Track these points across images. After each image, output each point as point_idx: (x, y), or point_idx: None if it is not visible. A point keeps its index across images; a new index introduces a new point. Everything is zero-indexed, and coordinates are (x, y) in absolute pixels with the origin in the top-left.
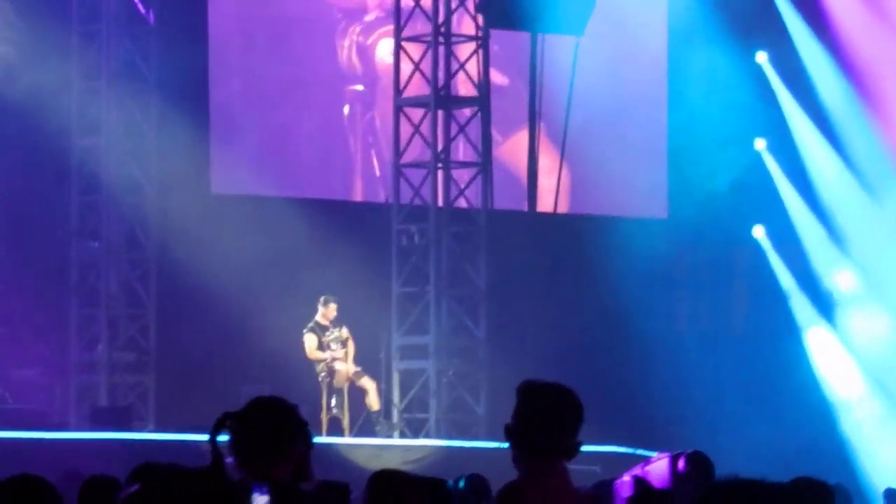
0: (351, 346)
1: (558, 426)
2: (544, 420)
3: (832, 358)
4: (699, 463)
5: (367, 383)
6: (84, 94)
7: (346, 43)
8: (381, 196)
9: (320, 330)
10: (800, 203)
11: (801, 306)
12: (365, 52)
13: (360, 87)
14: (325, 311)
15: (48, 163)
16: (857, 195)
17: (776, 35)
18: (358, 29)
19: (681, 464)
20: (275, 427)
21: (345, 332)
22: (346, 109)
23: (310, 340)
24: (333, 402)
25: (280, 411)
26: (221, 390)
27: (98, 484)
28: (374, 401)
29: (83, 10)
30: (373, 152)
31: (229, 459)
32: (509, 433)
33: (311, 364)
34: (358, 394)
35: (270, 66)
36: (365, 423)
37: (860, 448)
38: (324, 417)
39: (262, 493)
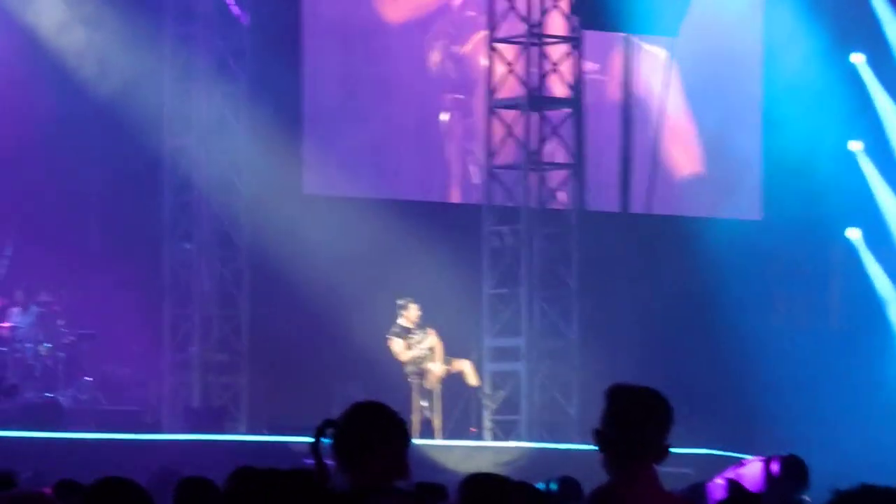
0: (439, 348)
1: (647, 430)
2: (633, 424)
3: None
4: (793, 466)
5: (460, 364)
6: (176, 93)
7: (439, 54)
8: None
9: (404, 332)
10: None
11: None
12: (461, 60)
13: (459, 96)
14: (407, 314)
15: (141, 162)
16: None
17: (873, 37)
18: (449, 37)
19: (774, 467)
20: (375, 431)
21: (431, 334)
22: (445, 116)
23: (396, 345)
24: (425, 403)
25: (380, 415)
26: (314, 390)
27: (193, 485)
28: (472, 376)
29: (177, 11)
30: (470, 159)
31: (331, 463)
32: (598, 438)
33: (402, 364)
34: (450, 395)
35: (366, 69)
36: (457, 426)
37: None
38: (415, 419)
39: None
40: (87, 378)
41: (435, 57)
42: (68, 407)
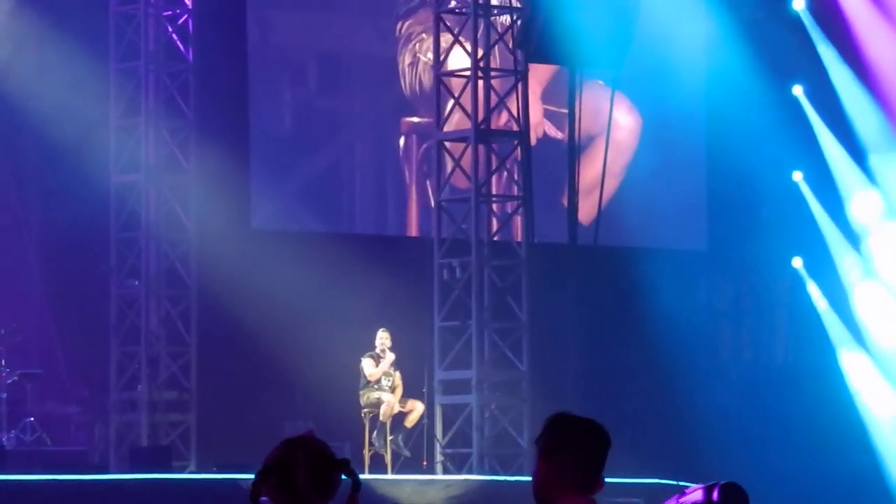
0: (400, 386)
1: (585, 459)
2: (570, 455)
3: (868, 380)
4: (733, 494)
5: (415, 403)
6: (122, 131)
7: (409, 63)
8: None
9: (376, 357)
10: (836, 233)
11: (838, 334)
12: (421, 80)
13: (416, 119)
14: (380, 340)
15: (87, 200)
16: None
17: (813, 67)
18: (426, 46)
19: (715, 495)
20: (312, 472)
21: (396, 372)
22: (402, 141)
23: (367, 365)
24: (375, 436)
25: (314, 455)
26: (264, 427)
27: None
28: (412, 420)
29: (120, 47)
30: (428, 183)
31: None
32: (537, 466)
33: (354, 398)
34: (401, 429)
35: (317, 99)
36: (408, 460)
37: None
38: (366, 453)
39: None
40: (30, 419)
41: (403, 74)
42: (12, 449)
